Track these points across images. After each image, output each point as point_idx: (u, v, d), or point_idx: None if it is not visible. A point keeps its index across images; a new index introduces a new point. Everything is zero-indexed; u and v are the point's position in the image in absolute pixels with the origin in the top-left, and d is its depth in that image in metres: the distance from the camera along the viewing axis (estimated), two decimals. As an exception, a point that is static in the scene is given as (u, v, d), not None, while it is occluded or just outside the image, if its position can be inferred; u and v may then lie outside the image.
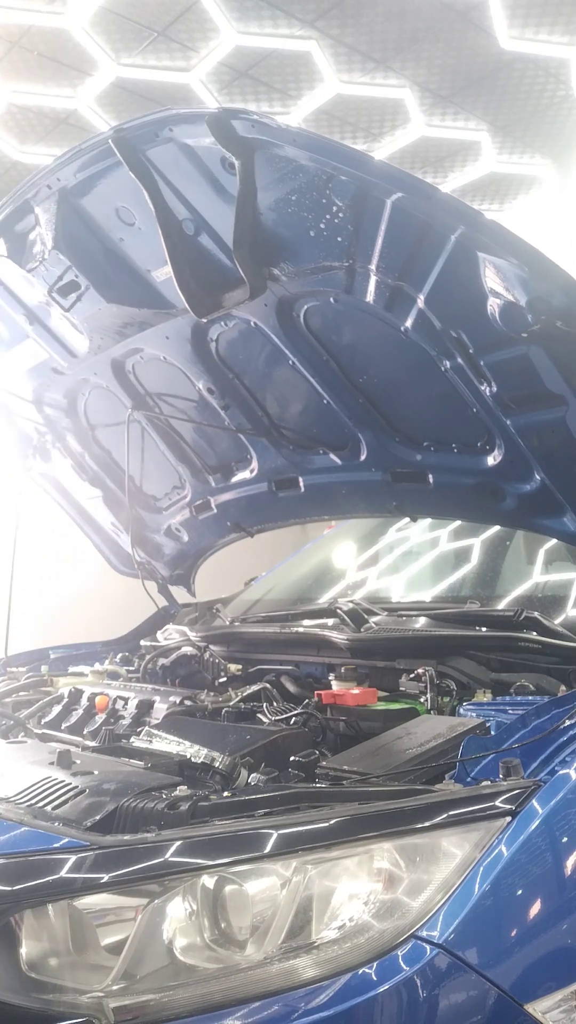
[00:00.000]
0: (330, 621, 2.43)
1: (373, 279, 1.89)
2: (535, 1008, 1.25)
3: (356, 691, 2.02)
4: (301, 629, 2.49)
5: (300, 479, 2.61)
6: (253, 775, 1.63)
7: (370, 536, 3.25)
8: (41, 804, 1.46)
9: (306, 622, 2.56)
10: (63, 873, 1.25)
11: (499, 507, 2.20)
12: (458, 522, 2.85)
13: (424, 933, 1.22)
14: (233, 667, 2.50)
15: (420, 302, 1.85)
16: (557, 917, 1.32)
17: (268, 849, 1.25)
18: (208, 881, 1.25)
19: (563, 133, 6.71)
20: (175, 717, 2.05)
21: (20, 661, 2.91)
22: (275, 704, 2.09)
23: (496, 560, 2.77)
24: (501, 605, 2.43)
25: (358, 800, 1.39)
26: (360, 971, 1.19)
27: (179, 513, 2.99)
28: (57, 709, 2.29)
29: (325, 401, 2.30)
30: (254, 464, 2.66)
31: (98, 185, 2.04)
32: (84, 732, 2.12)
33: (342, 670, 2.17)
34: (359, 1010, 1.16)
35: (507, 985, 1.23)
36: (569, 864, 1.36)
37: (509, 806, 1.35)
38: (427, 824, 1.31)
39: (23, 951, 1.23)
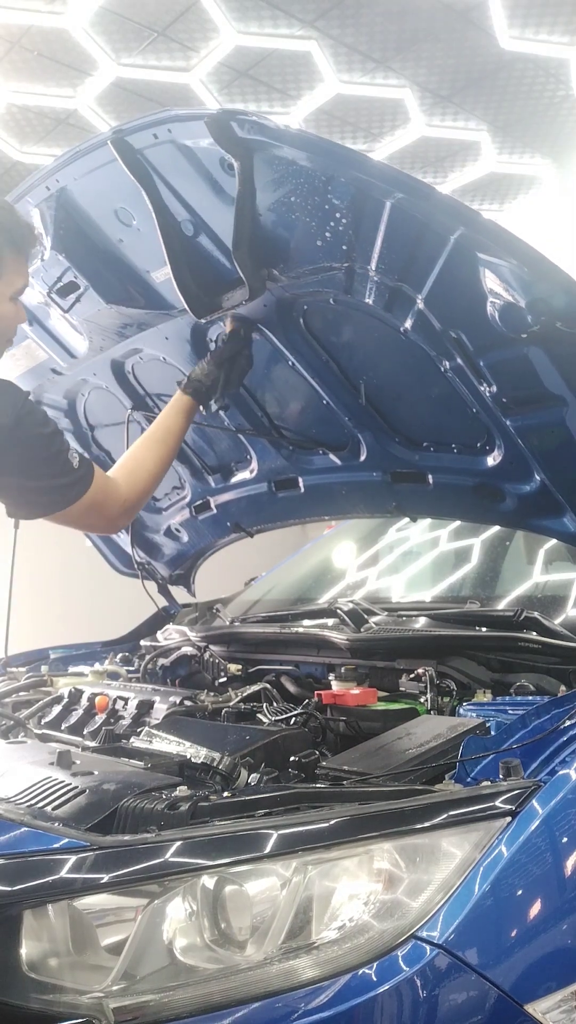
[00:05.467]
0: (330, 621, 2.43)
1: (373, 280, 1.89)
2: (535, 1008, 1.25)
3: (356, 691, 2.02)
4: (301, 629, 2.49)
5: (300, 479, 2.61)
6: (253, 775, 1.63)
7: (370, 536, 3.25)
8: (41, 804, 1.46)
9: (306, 622, 2.56)
10: (63, 873, 1.25)
11: (499, 507, 2.20)
12: (458, 522, 2.85)
13: (424, 933, 1.22)
14: (233, 667, 2.50)
15: (419, 303, 1.85)
16: (557, 917, 1.31)
17: (268, 849, 1.25)
18: (208, 881, 1.25)
19: (563, 133, 6.72)
20: (175, 717, 2.05)
21: (20, 661, 2.92)
22: (275, 704, 2.09)
23: (496, 560, 2.77)
24: (501, 605, 2.43)
25: (358, 800, 1.39)
26: (360, 971, 1.19)
27: (179, 513, 2.99)
28: (57, 709, 2.28)
29: (325, 402, 2.30)
30: (254, 464, 2.66)
31: (97, 186, 2.04)
32: (84, 732, 2.12)
33: (342, 670, 2.17)
34: (359, 1010, 1.16)
35: (507, 985, 1.23)
36: (569, 864, 1.36)
37: (509, 806, 1.35)
38: (427, 824, 1.30)
39: (23, 951, 1.23)
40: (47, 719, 2.27)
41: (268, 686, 2.23)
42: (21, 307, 1.97)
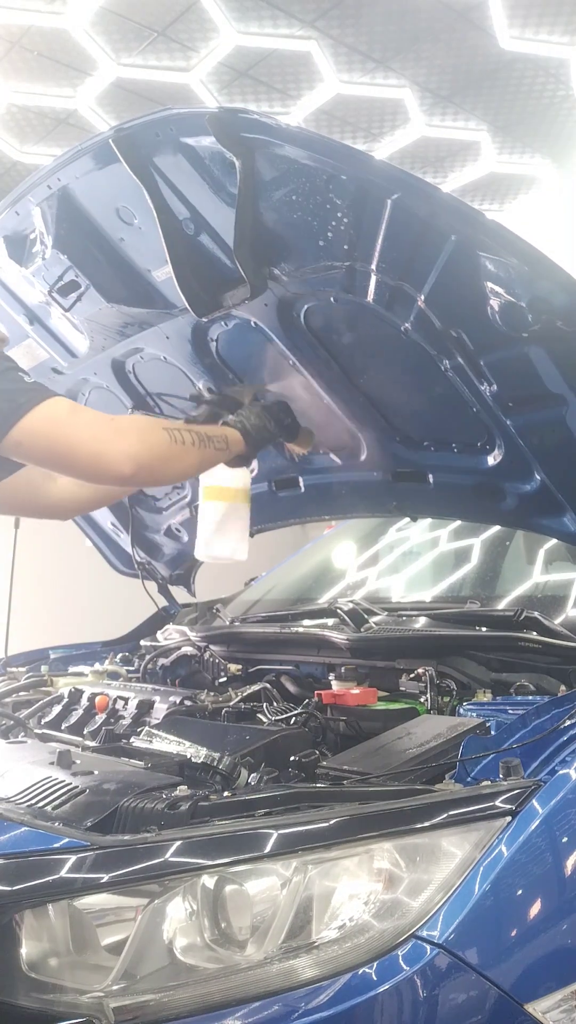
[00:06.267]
0: (330, 621, 2.43)
1: (373, 279, 1.89)
2: (535, 1008, 1.25)
3: (356, 691, 2.02)
4: (301, 629, 2.49)
5: (300, 479, 2.61)
6: (253, 775, 1.62)
7: (370, 536, 3.25)
8: (41, 804, 1.46)
9: (306, 622, 2.55)
10: (63, 873, 1.24)
11: (499, 507, 2.20)
12: (458, 522, 2.85)
13: (424, 933, 1.22)
14: (233, 667, 2.50)
15: (420, 302, 1.85)
16: (557, 917, 1.32)
17: (268, 849, 1.25)
18: (208, 881, 1.25)
19: (563, 133, 6.72)
20: (175, 717, 2.04)
21: (20, 661, 2.92)
22: (275, 704, 2.09)
23: (496, 560, 2.77)
24: (501, 605, 2.43)
25: (358, 800, 1.39)
26: (360, 971, 1.19)
27: (179, 513, 2.99)
28: (57, 709, 2.28)
29: (325, 401, 2.30)
30: (254, 464, 2.65)
31: (98, 185, 2.04)
32: (84, 732, 2.12)
33: (342, 670, 2.17)
34: (359, 1010, 1.16)
35: (507, 985, 1.23)
36: (569, 864, 1.36)
37: (509, 806, 1.35)
38: (427, 824, 1.30)
39: (23, 951, 1.23)
40: (47, 719, 2.26)
41: (268, 686, 2.22)
42: None
